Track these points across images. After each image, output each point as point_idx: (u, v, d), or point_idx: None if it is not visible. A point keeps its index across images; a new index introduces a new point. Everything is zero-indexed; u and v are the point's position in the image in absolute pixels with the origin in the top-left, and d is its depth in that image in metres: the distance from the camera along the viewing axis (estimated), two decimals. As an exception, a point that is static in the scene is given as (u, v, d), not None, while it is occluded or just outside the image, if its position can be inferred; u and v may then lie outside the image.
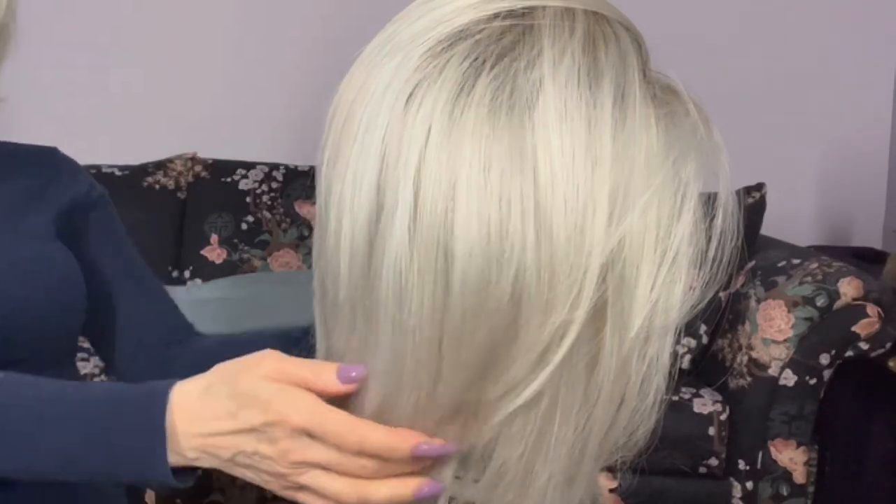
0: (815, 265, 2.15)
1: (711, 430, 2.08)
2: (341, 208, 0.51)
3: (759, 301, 2.14)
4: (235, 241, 2.69)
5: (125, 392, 0.61)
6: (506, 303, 0.48)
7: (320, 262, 0.54)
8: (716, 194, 0.51)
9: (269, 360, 0.55)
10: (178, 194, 2.74)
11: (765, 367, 2.08)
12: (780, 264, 2.21)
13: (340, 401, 0.54)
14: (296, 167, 2.76)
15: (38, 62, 2.86)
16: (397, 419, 0.52)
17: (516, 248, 0.47)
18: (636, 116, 0.49)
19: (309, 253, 2.66)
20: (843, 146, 2.97)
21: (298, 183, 2.73)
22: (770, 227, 2.39)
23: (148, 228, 2.68)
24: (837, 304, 2.06)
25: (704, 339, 2.25)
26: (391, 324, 0.49)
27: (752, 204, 2.33)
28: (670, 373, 0.53)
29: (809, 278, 2.11)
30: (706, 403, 2.11)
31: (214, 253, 2.69)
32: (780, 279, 2.15)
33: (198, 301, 2.42)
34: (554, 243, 0.47)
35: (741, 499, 2.10)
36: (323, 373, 0.53)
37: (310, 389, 0.53)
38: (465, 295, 0.48)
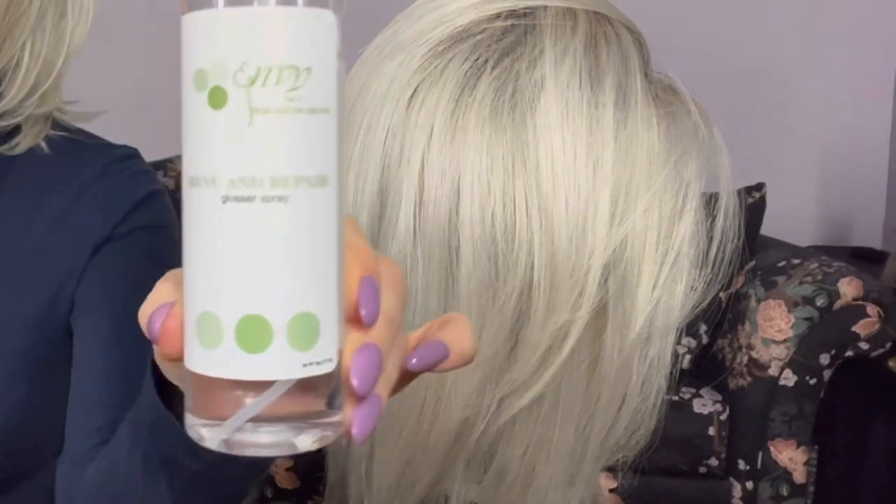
0: (815, 265, 2.14)
1: (711, 430, 2.08)
2: None
3: (759, 301, 2.14)
4: (235, 240, 2.69)
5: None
6: (513, 303, 0.47)
7: None
8: (717, 194, 0.51)
9: None
10: (178, 194, 2.74)
11: (765, 367, 2.08)
12: (780, 264, 2.20)
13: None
14: (296, 167, 2.76)
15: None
16: (401, 426, 0.51)
17: (523, 247, 0.47)
18: (638, 116, 0.49)
19: (309, 253, 2.65)
20: (843, 146, 2.96)
21: (298, 183, 2.73)
22: (770, 227, 2.39)
23: (148, 228, 2.67)
24: (837, 304, 2.06)
25: (704, 339, 2.25)
26: None
27: (752, 204, 2.33)
28: (671, 373, 0.53)
29: (809, 278, 2.11)
30: (706, 403, 2.10)
31: (214, 253, 2.68)
32: (780, 279, 2.15)
33: (198, 301, 2.42)
34: (556, 243, 0.47)
35: (741, 499, 2.10)
36: None
37: None
38: (472, 294, 0.47)
